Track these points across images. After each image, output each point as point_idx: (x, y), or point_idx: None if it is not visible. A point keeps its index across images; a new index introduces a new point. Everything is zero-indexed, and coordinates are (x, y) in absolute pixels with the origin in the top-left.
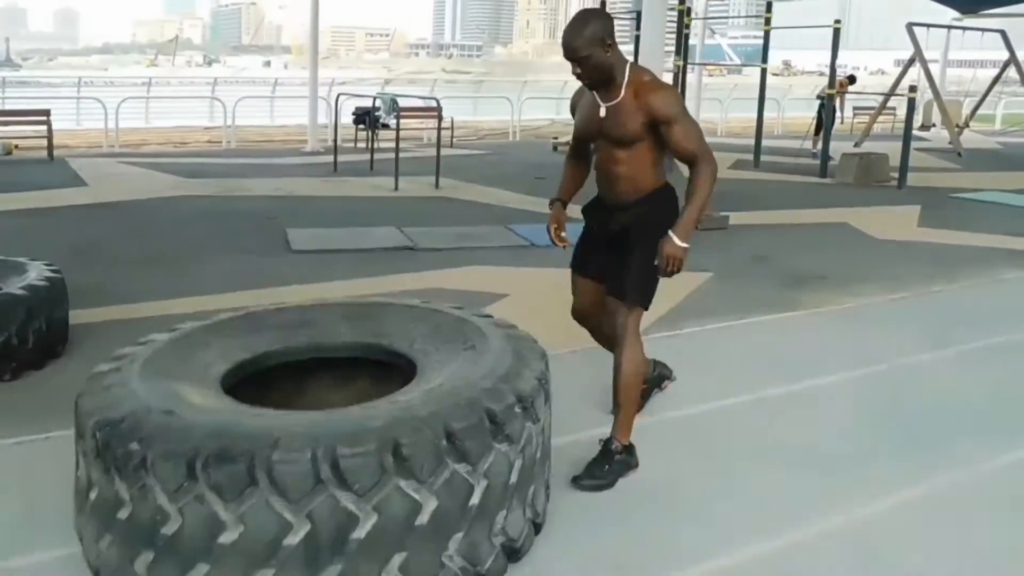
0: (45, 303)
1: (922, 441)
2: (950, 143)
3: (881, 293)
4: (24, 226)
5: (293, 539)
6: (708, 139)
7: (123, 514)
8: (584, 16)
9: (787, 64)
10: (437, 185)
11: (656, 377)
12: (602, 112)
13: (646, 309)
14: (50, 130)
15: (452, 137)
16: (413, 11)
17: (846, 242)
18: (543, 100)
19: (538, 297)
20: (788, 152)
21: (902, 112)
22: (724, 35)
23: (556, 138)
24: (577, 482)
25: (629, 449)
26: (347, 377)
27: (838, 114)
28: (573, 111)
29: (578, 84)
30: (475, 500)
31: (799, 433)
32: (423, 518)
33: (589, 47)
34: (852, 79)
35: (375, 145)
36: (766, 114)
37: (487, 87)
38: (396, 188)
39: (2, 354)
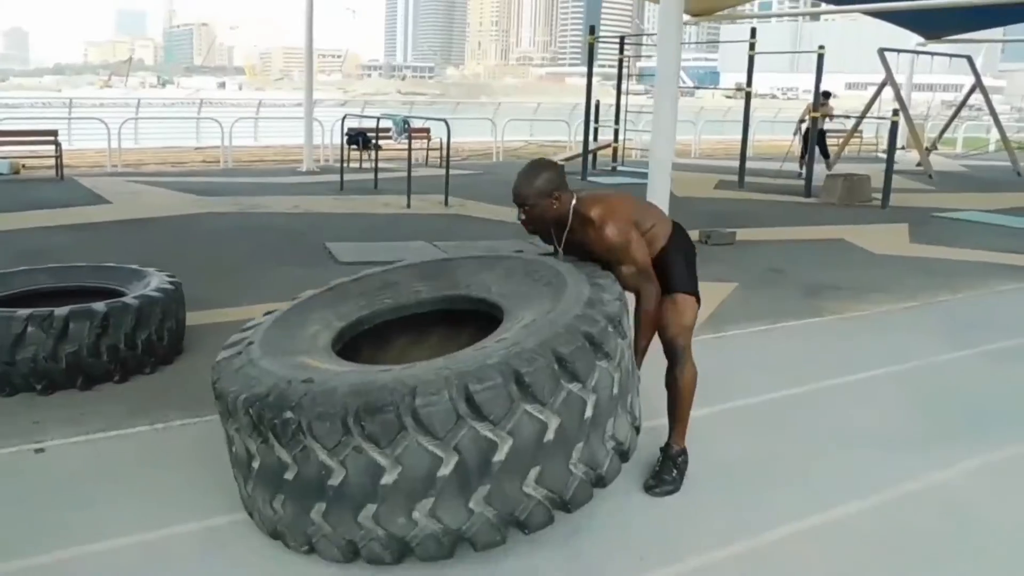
0: (172, 305)
1: (967, 424)
2: (918, 165)
3: (894, 302)
4: (73, 241)
5: (445, 470)
6: (680, 160)
7: (290, 475)
8: (536, 167)
9: (739, 86)
10: (447, 203)
11: None
12: (560, 246)
13: (698, 300)
14: (59, 150)
15: (442, 157)
16: (364, 33)
17: (848, 256)
18: (520, 122)
19: None
20: (767, 173)
21: (868, 135)
22: None
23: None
24: (651, 490)
25: (685, 451)
26: (422, 333)
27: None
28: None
29: None
30: (588, 413)
31: (857, 418)
32: (550, 435)
33: (537, 198)
34: (827, 95)
35: (361, 165)
36: (735, 136)
37: (460, 109)
38: (408, 205)
39: (145, 350)
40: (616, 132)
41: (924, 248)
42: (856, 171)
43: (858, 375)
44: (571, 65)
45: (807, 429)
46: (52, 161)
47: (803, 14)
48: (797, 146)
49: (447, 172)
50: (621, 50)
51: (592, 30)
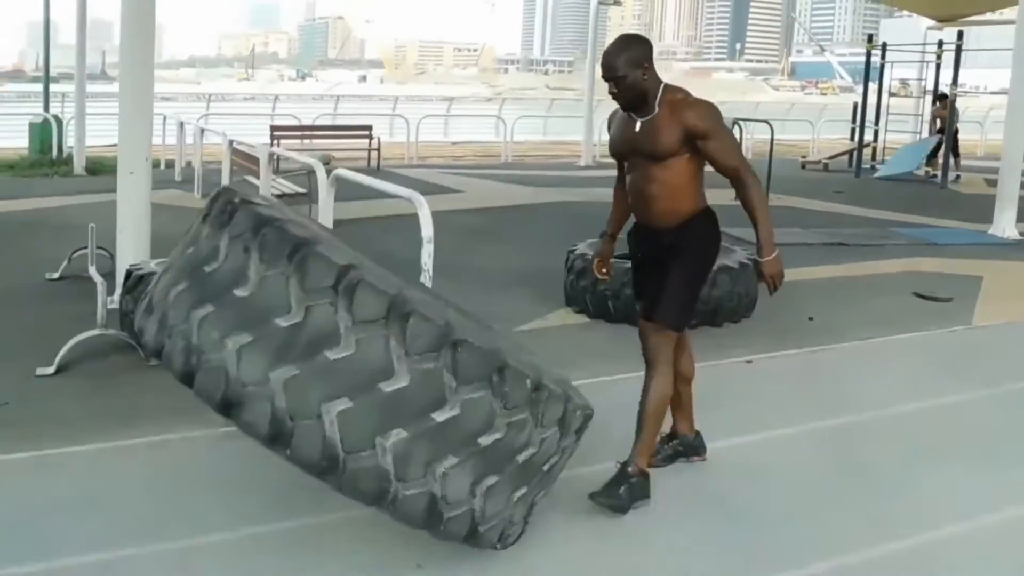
0: (743, 275)
1: None
2: None
3: None
4: (491, 222)
5: None
6: None
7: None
8: (626, 39)
9: (904, 83)
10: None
11: (691, 445)
12: (636, 127)
13: (679, 332)
14: (378, 143)
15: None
16: (500, 26)
17: None
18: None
19: (1011, 278)
20: None
21: None
22: (832, 51)
23: (804, 157)
24: (594, 497)
25: (645, 476)
26: None
27: None
28: (609, 129)
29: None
30: None
31: None
32: None
33: (627, 68)
34: None
35: None
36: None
37: None
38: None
39: (718, 307)
40: (876, 132)
41: None
42: None
43: None
44: (716, 60)
45: None
46: (358, 154)
47: None
48: None
49: (770, 165)
50: (883, 55)
51: (870, 39)
